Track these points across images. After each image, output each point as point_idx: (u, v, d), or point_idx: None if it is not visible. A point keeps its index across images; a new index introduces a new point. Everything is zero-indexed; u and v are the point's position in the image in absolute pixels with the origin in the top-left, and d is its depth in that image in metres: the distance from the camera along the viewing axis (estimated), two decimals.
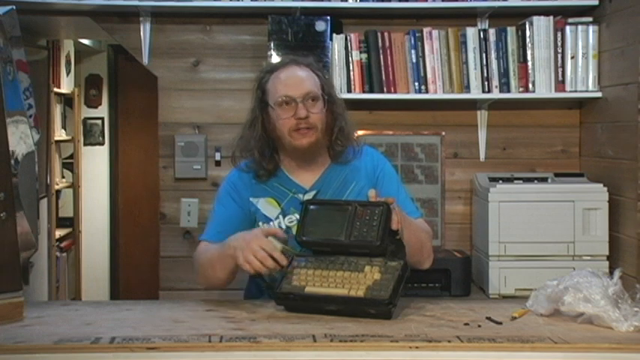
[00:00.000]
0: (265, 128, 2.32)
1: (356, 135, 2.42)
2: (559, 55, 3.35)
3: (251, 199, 2.34)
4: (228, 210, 2.35)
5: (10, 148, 2.05)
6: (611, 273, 1.95)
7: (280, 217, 2.32)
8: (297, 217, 2.27)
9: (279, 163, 2.36)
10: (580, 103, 3.55)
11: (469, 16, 3.48)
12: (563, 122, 3.59)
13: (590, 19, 3.35)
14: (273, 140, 2.33)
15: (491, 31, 3.38)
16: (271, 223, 2.31)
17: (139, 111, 6.14)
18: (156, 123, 3.59)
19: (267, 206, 2.33)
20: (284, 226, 2.30)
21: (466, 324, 1.91)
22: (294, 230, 2.27)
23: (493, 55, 3.37)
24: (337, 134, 2.33)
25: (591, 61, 3.33)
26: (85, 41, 5.51)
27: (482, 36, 3.37)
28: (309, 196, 2.31)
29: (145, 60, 3.53)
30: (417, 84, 3.37)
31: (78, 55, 5.91)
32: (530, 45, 3.35)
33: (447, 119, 3.59)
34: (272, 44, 3.32)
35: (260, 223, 2.32)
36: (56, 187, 5.22)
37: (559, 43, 3.35)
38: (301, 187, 2.34)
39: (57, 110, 5.29)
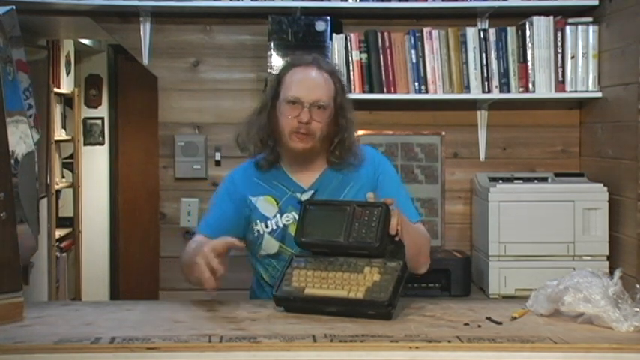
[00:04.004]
0: (270, 118, 2.33)
1: (357, 146, 2.40)
2: (559, 55, 3.35)
3: (250, 197, 2.35)
4: (222, 208, 2.38)
5: (10, 148, 2.05)
6: (611, 273, 1.95)
7: (278, 215, 2.33)
8: (294, 215, 2.29)
9: (279, 158, 2.37)
10: (580, 103, 3.55)
11: (469, 16, 3.48)
12: (563, 122, 3.59)
13: (590, 19, 3.35)
14: (275, 133, 2.34)
15: (491, 31, 3.38)
16: (269, 221, 2.32)
17: (138, 111, 6.14)
18: (156, 123, 3.59)
19: (265, 205, 2.34)
20: (281, 225, 2.32)
21: (466, 324, 1.91)
22: (290, 228, 2.29)
23: (493, 55, 3.37)
24: (336, 146, 2.33)
25: (591, 61, 3.33)
26: (85, 41, 5.52)
27: (482, 36, 3.37)
28: (306, 196, 2.32)
29: (145, 60, 3.53)
30: (417, 84, 3.37)
31: (78, 55, 5.91)
32: (530, 45, 3.35)
33: (447, 119, 3.59)
34: (272, 44, 3.33)
35: (257, 222, 2.33)
36: (56, 187, 5.23)
37: (559, 43, 3.35)
38: (300, 186, 2.35)
39: (57, 110, 5.29)
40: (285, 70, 2.36)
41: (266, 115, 2.34)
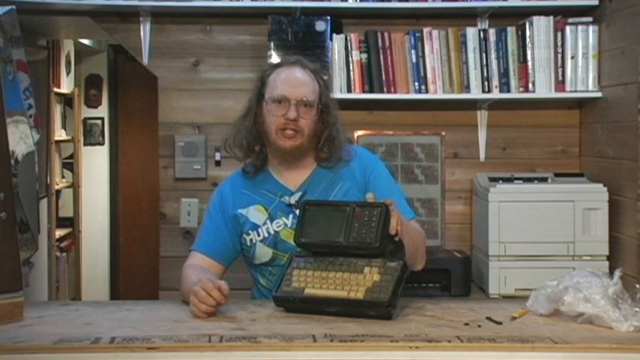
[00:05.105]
0: (256, 120, 2.35)
1: (347, 143, 2.41)
2: (559, 55, 3.35)
3: (240, 211, 2.35)
4: (215, 224, 2.38)
5: (10, 148, 2.05)
6: (611, 273, 1.95)
7: (268, 222, 2.32)
8: (285, 220, 2.31)
9: (267, 161, 2.38)
10: (580, 103, 3.55)
11: (469, 16, 3.48)
12: (563, 122, 3.59)
13: (590, 19, 3.35)
14: (262, 135, 2.34)
15: (491, 31, 3.38)
16: (259, 229, 2.32)
17: (138, 111, 6.14)
18: (156, 123, 3.59)
19: (255, 213, 2.34)
20: (272, 231, 2.31)
21: (466, 324, 1.91)
22: (281, 234, 2.30)
23: (493, 55, 3.37)
24: (324, 142, 2.35)
25: (591, 61, 3.33)
26: (85, 41, 5.51)
27: (482, 36, 3.37)
28: (295, 198, 2.32)
29: (145, 60, 3.53)
30: (417, 84, 3.37)
31: (78, 55, 5.91)
32: (530, 45, 3.35)
33: (447, 119, 3.59)
34: (272, 44, 3.32)
35: (249, 231, 2.33)
36: (56, 187, 5.22)
37: (559, 43, 3.35)
38: (287, 189, 2.35)
39: (57, 110, 5.28)
40: (268, 72, 2.37)
41: (252, 117, 2.35)
